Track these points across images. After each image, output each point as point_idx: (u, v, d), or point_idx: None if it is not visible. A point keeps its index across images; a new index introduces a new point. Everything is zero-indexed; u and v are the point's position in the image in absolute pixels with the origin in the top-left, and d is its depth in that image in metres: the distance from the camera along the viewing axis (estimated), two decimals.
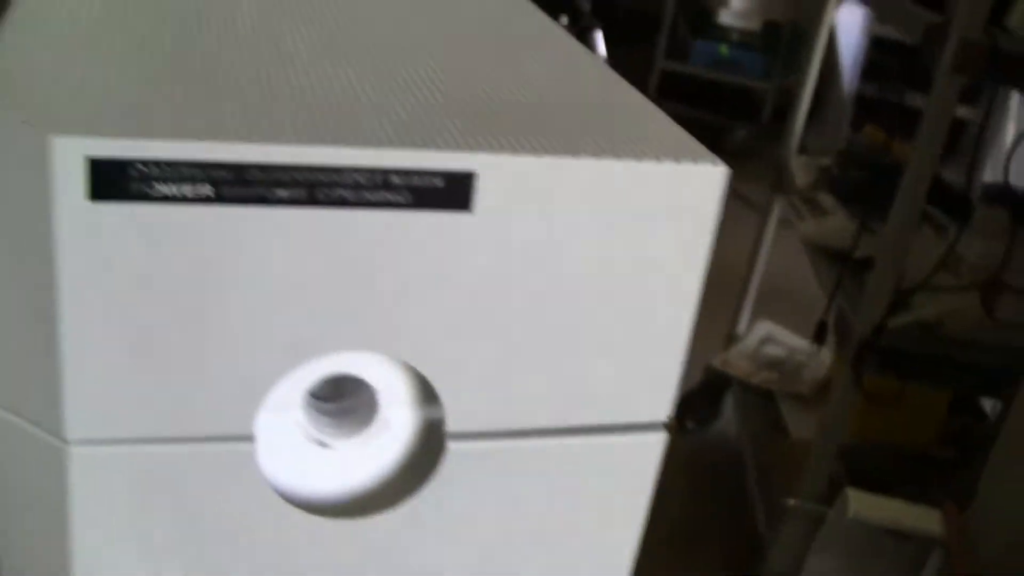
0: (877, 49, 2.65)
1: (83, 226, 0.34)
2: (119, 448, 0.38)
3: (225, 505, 0.40)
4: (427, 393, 0.42)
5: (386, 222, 0.37)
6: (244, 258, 0.36)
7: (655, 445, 0.44)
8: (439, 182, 0.37)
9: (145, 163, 0.34)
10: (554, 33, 0.53)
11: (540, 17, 0.55)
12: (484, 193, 0.37)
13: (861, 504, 1.02)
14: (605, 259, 0.40)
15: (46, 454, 0.38)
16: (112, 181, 0.34)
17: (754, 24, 3.21)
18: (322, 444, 0.42)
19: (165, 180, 0.34)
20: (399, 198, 0.37)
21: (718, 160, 0.40)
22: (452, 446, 0.41)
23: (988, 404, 1.50)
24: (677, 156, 0.39)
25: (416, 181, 0.37)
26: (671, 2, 3.21)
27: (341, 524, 0.42)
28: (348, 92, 0.40)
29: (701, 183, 0.40)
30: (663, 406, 0.44)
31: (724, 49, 3.19)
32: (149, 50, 0.42)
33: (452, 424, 0.41)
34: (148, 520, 0.39)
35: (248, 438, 0.39)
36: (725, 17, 3.21)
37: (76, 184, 0.34)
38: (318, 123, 0.37)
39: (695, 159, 0.40)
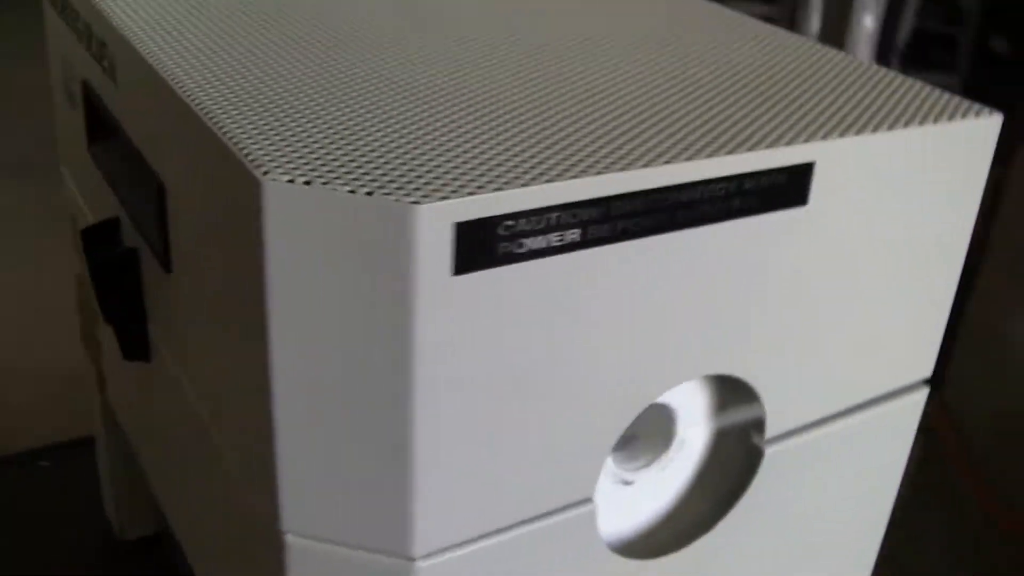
0: None
1: (444, 303, 0.28)
2: (465, 550, 0.32)
3: (567, 572, 0.35)
4: (723, 402, 0.38)
5: (735, 232, 0.32)
6: (598, 303, 0.31)
7: (919, 402, 0.42)
8: (782, 179, 0.33)
9: (515, 217, 0.28)
10: (725, 15, 0.48)
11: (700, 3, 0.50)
12: (816, 183, 0.33)
13: None
14: (899, 227, 0.37)
15: None
16: (479, 245, 0.27)
17: None
18: (626, 482, 0.37)
19: (534, 233, 0.28)
20: (749, 203, 0.32)
21: (992, 110, 0.38)
22: (770, 449, 0.38)
23: None
24: (954, 112, 0.37)
25: (764, 182, 0.32)
26: None
27: (667, 561, 0.38)
28: (635, 104, 0.35)
29: (980, 135, 0.37)
30: (930, 362, 0.42)
31: None
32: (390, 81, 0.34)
33: (772, 428, 0.38)
34: None
35: (590, 499, 0.34)
36: None
37: (439, 257, 0.27)
38: (649, 139, 0.32)
39: (973, 112, 0.37)
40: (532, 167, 0.29)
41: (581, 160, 0.29)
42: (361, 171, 0.27)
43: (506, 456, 0.31)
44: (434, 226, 0.27)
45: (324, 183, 0.27)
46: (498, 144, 0.30)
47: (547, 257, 0.29)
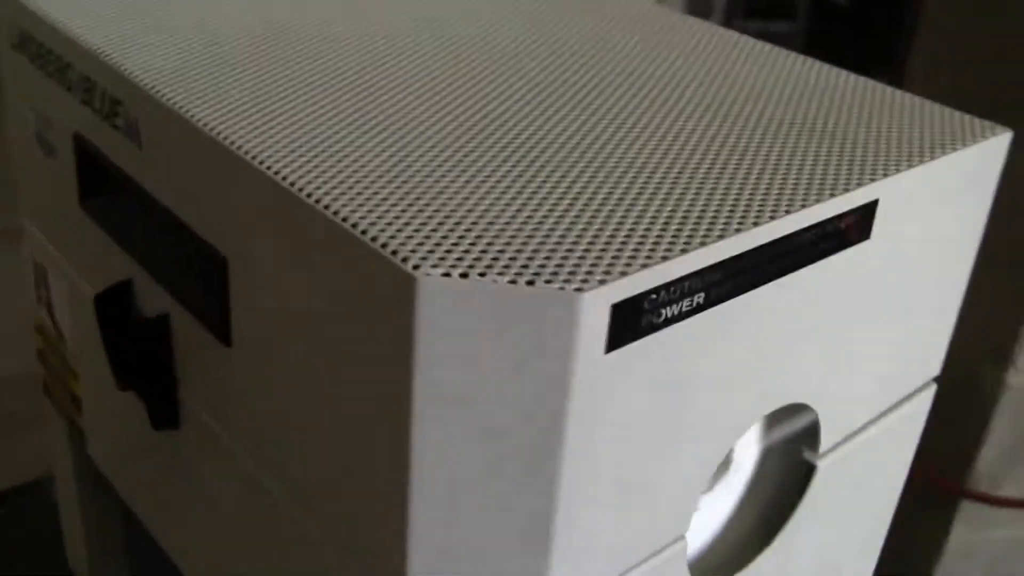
0: None
1: (595, 381, 0.28)
2: None
3: None
4: (772, 421, 0.40)
5: (817, 272, 0.34)
6: (713, 355, 0.32)
7: (929, 398, 0.46)
8: (854, 218, 0.34)
9: (658, 291, 0.28)
10: (736, 40, 0.49)
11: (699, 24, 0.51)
12: (878, 218, 0.35)
13: None
14: (936, 243, 0.40)
15: None
16: (628, 322, 0.28)
17: None
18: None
19: (670, 302, 0.29)
20: (832, 244, 0.34)
21: (1003, 128, 0.41)
22: (823, 462, 0.40)
23: None
24: (975, 133, 0.40)
25: (843, 223, 0.34)
26: None
27: None
28: (711, 151, 0.36)
29: (997, 150, 0.40)
30: (940, 360, 0.45)
31: None
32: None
33: (825, 442, 0.40)
34: None
35: (683, 535, 0.35)
36: None
37: (596, 337, 0.27)
38: (747, 194, 0.33)
39: (990, 131, 0.40)
40: (664, 238, 0.29)
41: (702, 223, 0.30)
42: (508, 257, 0.27)
43: (633, 509, 0.32)
44: (595, 310, 0.27)
45: (481, 275, 0.26)
46: (625, 215, 0.30)
47: (679, 322, 0.30)
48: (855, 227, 0.35)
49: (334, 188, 0.30)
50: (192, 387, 0.40)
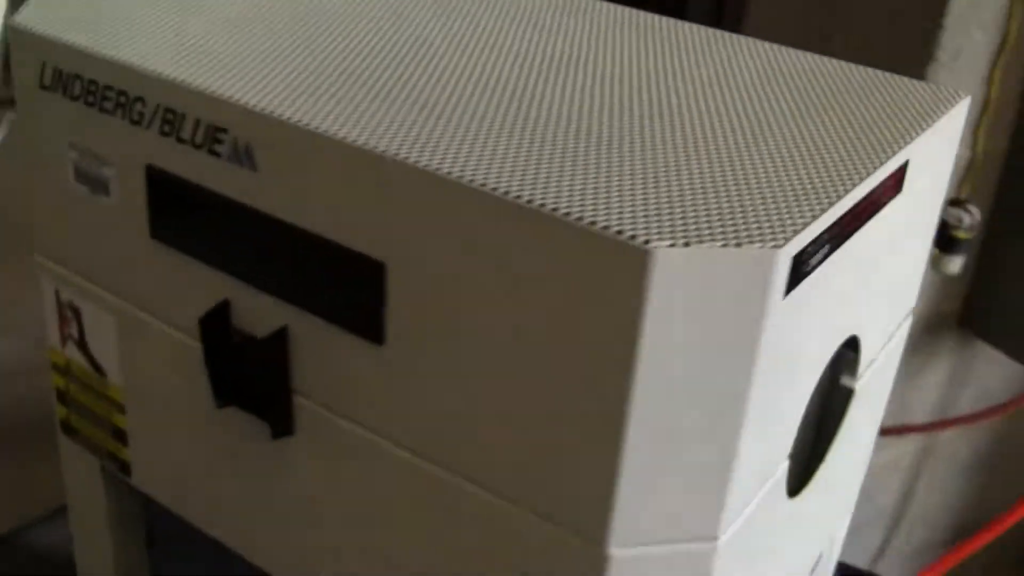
0: None
1: (777, 322, 0.34)
2: (741, 520, 0.38)
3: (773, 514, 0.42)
4: None
5: (879, 219, 0.41)
6: (827, 295, 0.38)
7: (908, 326, 0.54)
8: (895, 176, 0.42)
9: (812, 244, 0.34)
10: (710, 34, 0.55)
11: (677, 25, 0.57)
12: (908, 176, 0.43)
13: None
14: (929, 194, 0.48)
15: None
16: (796, 271, 0.34)
17: None
18: None
19: (813, 253, 0.35)
20: (888, 196, 0.41)
21: (964, 92, 0.49)
22: (859, 383, 0.48)
23: None
24: (952, 97, 0.48)
25: (892, 180, 0.41)
26: None
27: (802, 496, 0.46)
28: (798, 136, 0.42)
29: (961, 113, 0.49)
30: (916, 294, 0.54)
31: None
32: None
33: (862, 364, 0.47)
34: None
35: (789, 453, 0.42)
36: None
37: (779, 285, 0.33)
38: (833, 162, 0.39)
39: (959, 95, 0.49)
40: (807, 199, 0.35)
41: (823, 188, 0.36)
42: (709, 225, 0.33)
43: (772, 430, 0.38)
44: (784, 262, 0.33)
45: (698, 242, 0.31)
46: (771, 186, 0.36)
47: (815, 270, 0.36)
48: (895, 183, 0.42)
49: (536, 187, 0.34)
50: (316, 391, 0.42)
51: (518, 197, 0.33)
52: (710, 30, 0.53)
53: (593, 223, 0.32)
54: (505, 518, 0.38)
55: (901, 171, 0.42)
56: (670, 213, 0.33)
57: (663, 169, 0.36)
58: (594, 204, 0.33)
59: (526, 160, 0.36)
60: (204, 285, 0.44)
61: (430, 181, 0.35)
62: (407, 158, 0.36)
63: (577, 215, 0.32)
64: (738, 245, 0.32)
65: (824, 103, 0.45)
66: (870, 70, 0.50)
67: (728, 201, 0.34)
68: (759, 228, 0.33)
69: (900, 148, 0.41)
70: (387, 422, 0.40)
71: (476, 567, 0.40)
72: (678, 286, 0.32)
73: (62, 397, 0.55)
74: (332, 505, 0.44)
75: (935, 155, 0.46)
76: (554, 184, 0.34)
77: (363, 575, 0.45)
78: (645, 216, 0.33)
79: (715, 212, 0.34)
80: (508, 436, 0.37)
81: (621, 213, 0.33)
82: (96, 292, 0.50)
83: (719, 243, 0.32)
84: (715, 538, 0.37)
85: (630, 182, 0.35)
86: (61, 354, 0.54)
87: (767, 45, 0.52)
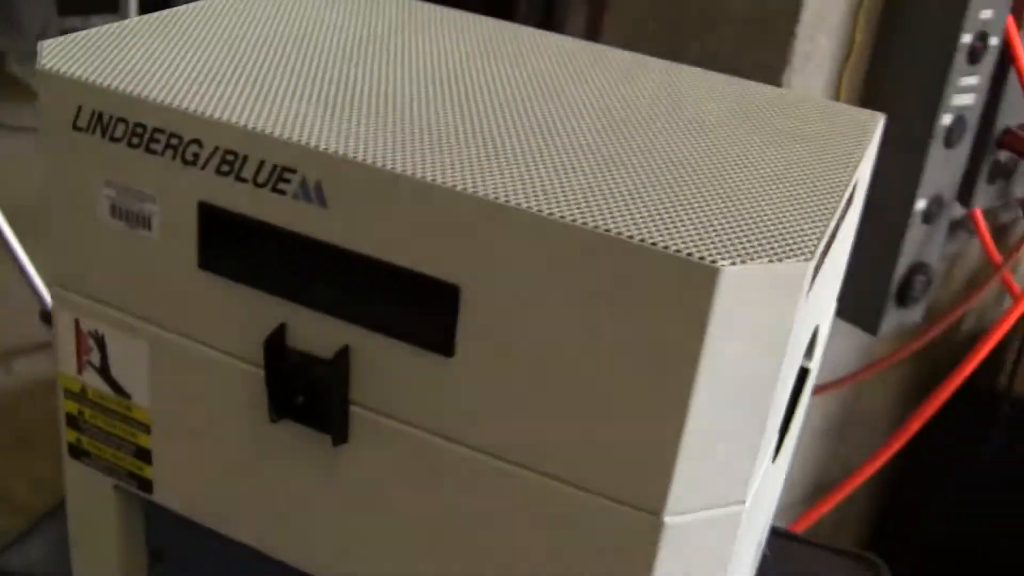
0: None
1: (799, 321, 0.41)
2: (756, 484, 0.46)
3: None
4: None
5: (846, 227, 0.49)
6: (817, 295, 0.46)
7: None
8: (854, 188, 0.50)
9: (822, 252, 0.42)
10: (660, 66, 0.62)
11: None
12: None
13: None
14: (861, 196, 0.57)
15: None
16: (814, 279, 0.42)
17: None
18: None
19: (822, 260, 0.43)
20: (847, 208, 0.49)
21: (880, 114, 0.59)
22: (812, 367, 0.56)
23: None
24: (873, 121, 0.57)
25: (852, 192, 0.50)
26: None
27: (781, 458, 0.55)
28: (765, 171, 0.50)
29: (877, 125, 0.58)
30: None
31: None
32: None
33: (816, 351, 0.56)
34: None
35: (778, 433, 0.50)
36: None
37: (805, 291, 0.41)
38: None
39: (876, 119, 0.58)
40: (805, 218, 0.43)
41: (812, 201, 0.44)
42: (750, 245, 0.40)
43: (775, 413, 0.46)
44: (811, 272, 0.40)
45: (751, 260, 0.39)
46: (778, 207, 0.44)
47: (815, 274, 0.44)
48: (850, 198, 0.51)
49: (604, 216, 0.40)
50: (372, 400, 0.47)
51: (595, 227, 0.40)
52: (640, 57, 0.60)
53: (666, 246, 0.39)
54: (566, 499, 0.44)
55: (854, 187, 0.51)
56: (720, 234, 0.40)
57: (711, 194, 0.43)
58: (658, 228, 0.40)
59: (587, 190, 0.42)
60: (253, 309, 0.48)
61: (503, 214, 0.41)
62: (480, 193, 0.41)
63: (650, 239, 0.39)
64: (780, 260, 0.39)
65: (783, 129, 0.53)
66: (800, 94, 0.59)
67: (761, 221, 0.42)
68: (789, 244, 0.40)
69: (856, 166, 0.50)
70: (452, 425, 0.46)
71: (536, 551, 0.46)
72: (735, 297, 0.39)
73: (73, 422, 0.57)
74: (390, 505, 0.49)
75: (867, 167, 0.56)
76: (619, 212, 0.41)
77: (419, 567, 0.50)
78: (708, 238, 0.40)
79: (754, 232, 0.41)
80: (576, 431, 0.43)
81: (682, 236, 0.39)
82: (126, 320, 0.52)
83: (766, 259, 0.39)
84: (743, 501, 0.45)
85: (686, 210, 0.42)
86: (76, 380, 0.55)
87: (706, 73, 0.60)
